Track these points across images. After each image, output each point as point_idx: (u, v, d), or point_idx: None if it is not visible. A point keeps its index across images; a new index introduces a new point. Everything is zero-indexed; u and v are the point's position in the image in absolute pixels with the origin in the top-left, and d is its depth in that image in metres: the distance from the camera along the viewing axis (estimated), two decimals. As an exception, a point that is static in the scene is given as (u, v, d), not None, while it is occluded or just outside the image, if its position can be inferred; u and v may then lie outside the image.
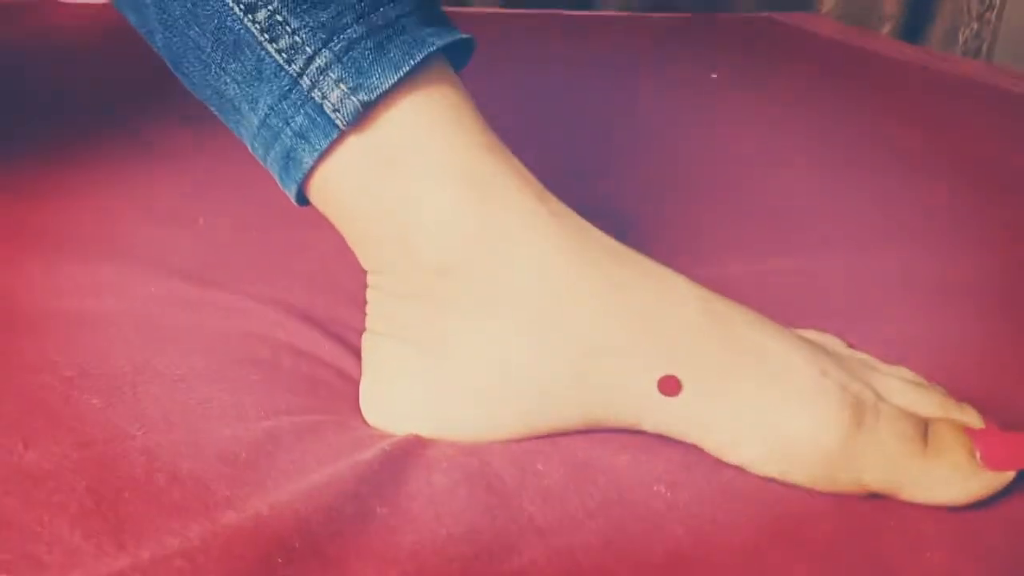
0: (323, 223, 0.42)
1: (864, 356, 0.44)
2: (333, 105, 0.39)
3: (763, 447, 0.39)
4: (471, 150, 0.40)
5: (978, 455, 0.39)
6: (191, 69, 0.41)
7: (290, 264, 0.52)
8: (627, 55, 1.23)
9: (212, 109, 0.43)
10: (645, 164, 0.76)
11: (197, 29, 0.40)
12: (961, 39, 1.60)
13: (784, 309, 0.47)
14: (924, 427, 0.39)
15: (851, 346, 0.47)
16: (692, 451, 0.40)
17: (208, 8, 0.39)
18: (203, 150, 0.65)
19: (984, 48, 1.55)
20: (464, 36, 0.43)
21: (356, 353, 0.45)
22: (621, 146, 0.81)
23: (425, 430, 0.41)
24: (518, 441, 0.40)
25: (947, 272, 0.58)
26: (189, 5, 0.39)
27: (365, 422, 0.42)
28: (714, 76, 1.15)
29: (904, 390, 0.41)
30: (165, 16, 0.40)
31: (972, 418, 0.41)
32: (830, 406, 0.39)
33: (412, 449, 0.39)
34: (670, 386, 0.39)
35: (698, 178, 0.73)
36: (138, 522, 0.32)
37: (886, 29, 1.62)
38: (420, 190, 0.40)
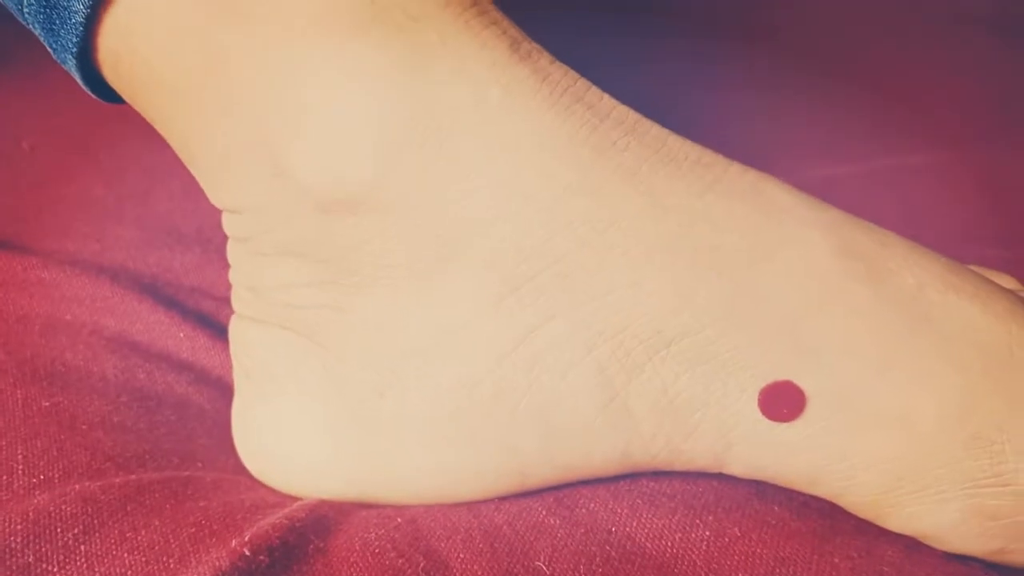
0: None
1: None
2: None
3: (957, 509, 0.21)
4: None
5: None
6: None
7: (140, 208, 0.34)
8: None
9: None
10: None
11: None
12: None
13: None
14: None
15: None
16: (813, 511, 0.22)
17: None
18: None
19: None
20: None
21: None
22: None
23: (335, 488, 0.23)
24: (497, 503, 0.23)
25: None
26: None
27: (241, 468, 0.24)
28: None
29: None
30: None
31: None
32: None
33: (304, 538, 0.21)
34: (784, 402, 0.21)
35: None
36: None
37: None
38: (291, 48, 0.21)
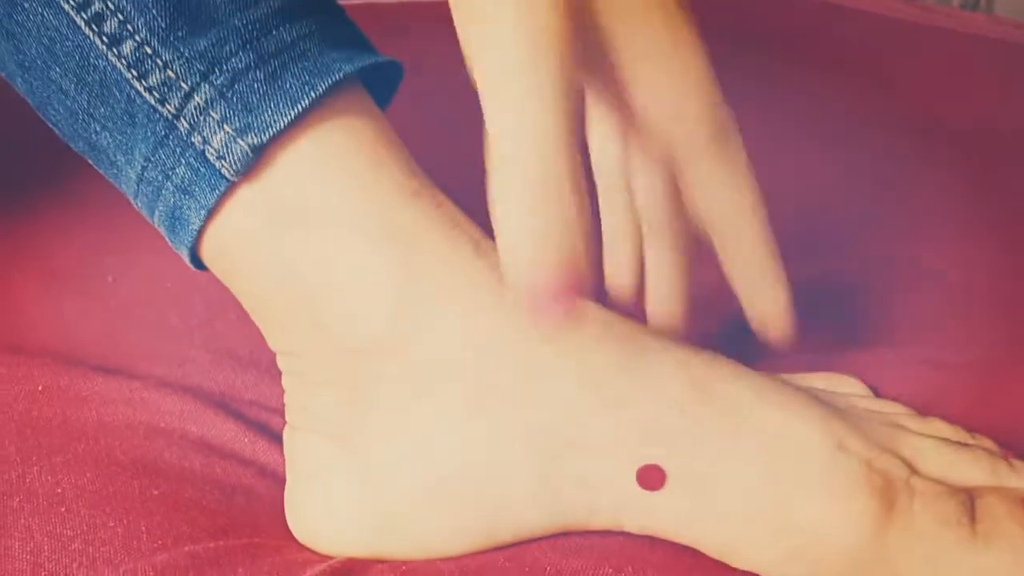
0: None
1: (888, 407, 0.37)
2: (217, 151, 0.31)
3: (775, 549, 0.31)
4: (391, 199, 0.33)
5: None
6: (58, 117, 0.34)
7: (205, 331, 0.45)
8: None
9: (91, 163, 0.35)
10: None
11: (58, 69, 0.32)
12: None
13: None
14: (970, 503, 0.32)
15: (875, 392, 0.39)
16: (688, 554, 0.32)
17: (68, 43, 0.32)
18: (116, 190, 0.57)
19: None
20: (384, 59, 0.35)
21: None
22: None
23: (359, 549, 0.33)
24: (472, 555, 0.33)
25: (958, 268, 0.50)
26: (46, 41, 0.32)
27: (291, 537, 0.35)
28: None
29: (941, 454, 0.34)
30: (21, 56, 0.33)
31: None
32: (854, 492, 0.31)
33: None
34: (651, 478, 0.32)
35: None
36: None
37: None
38: (329, 252, 0.32)
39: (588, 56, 0.31)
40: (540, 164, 0.26)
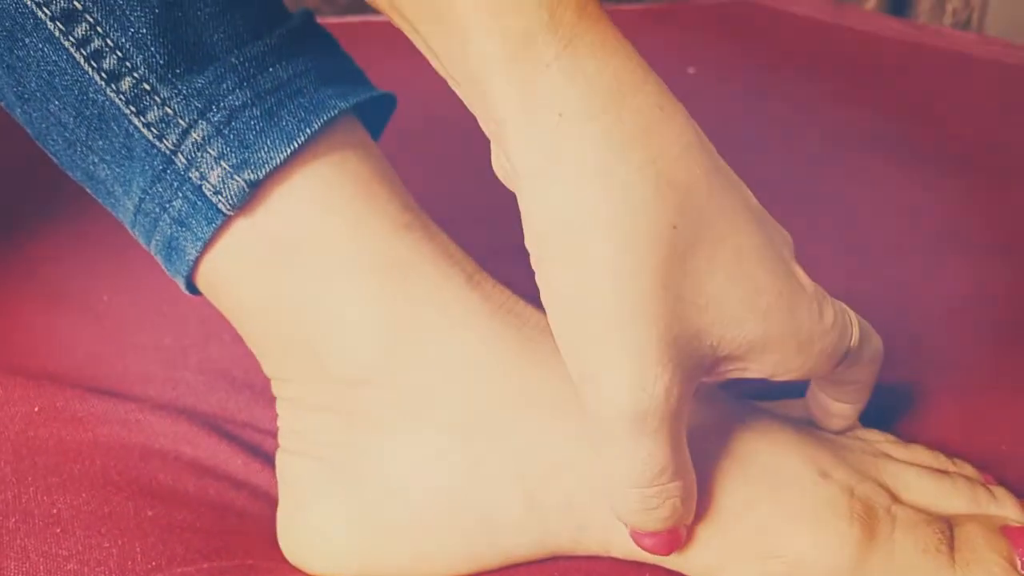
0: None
1: (870, 435, 0.37)
2: (214, 187, 0.32)
3: (758, 573, 0.32)
4: (384, 231, 0.33)
5: (1019, 562, 0.32)
6: (56, 147, 0.35)
7: (199, 353, 0.45)
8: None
9: (88, 191, 0.36)
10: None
11: (57, 102, 0.33)
12: (949, 9, 1.52)
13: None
14: (950, 532, 0.32)
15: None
16: (673, 578, 0.33)
17: (67, 78, 0.32)
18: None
19: (974, 18, 1.47)
20: (378, 93, 0.36)
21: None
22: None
23: (350, 571, 0.34)
24: (461, 577, 0.34)
25: (936, 291, 0.51)
26: (45, 75, 0.33)
27: (283, 558, 0.35)
28: (691, 71, 1.08)
29: (923, 483, 0.34)
30: (20, 89, 0.33)
31: (1009, 508, 0.34)
32: (835, 519, 0.32)
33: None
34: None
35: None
36: None
37: (870, 4, 1.55)
38: (324, 285, 0.33)
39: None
40: (648, 464, 0.29)
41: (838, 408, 0.36)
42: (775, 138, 0.74)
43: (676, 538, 0.32)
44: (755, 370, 0.31)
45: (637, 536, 0.31)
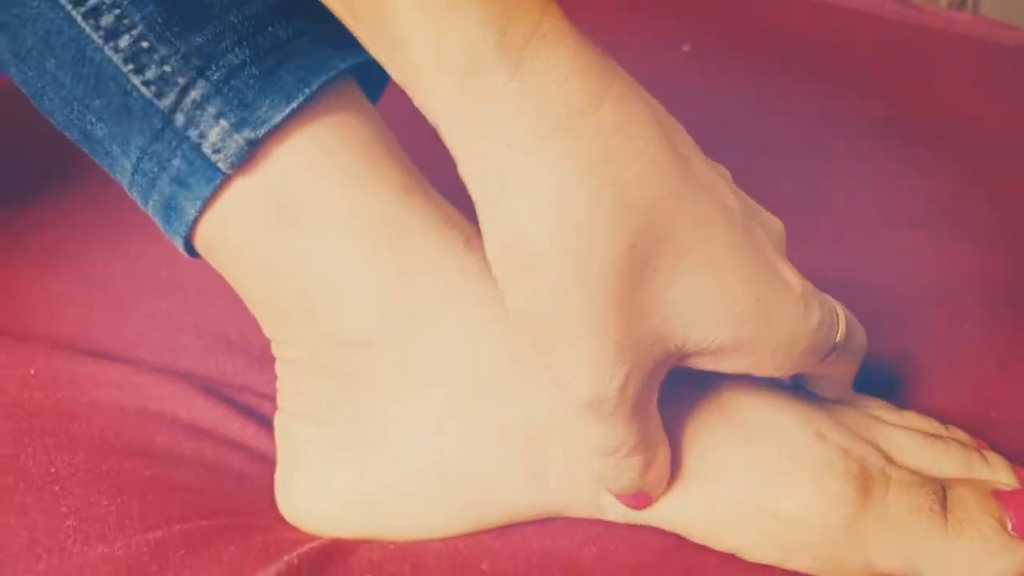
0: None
1: (865, 401, 0.38)
2: (213, 144, 0.32)
3: (753, 531, 0.32)
4: (384, 193, 0.33)
5: (1010, 524, 0.32)
6: (53, 106, 0.34)
7: (196, 318, 0.45)
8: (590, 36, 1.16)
9: (85, 151, 0.36)
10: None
11: (53, 61, 0.33)
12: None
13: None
14: (943, 493, 0.33)
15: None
16: (669, 537, 0.33)
17: (63, 36, 0.32)
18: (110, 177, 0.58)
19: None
20: None
21: (273, 428, 0.38)
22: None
23: (350, 530, 0.34)
24: (460, 537, 0.34)
25: (934, 264, 0.51)
26: (42, 33, 0.32)
27: (281, 518, 0.35)
28: (686, 49, 1.08)
29: (917, 446, 0.35)
30: (16, 47, 0.33)
31: (1001, 473, 0.34)
32: (830, 478, 0.32)
33: (327, 559, 0.32)
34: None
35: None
36: None
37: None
38: (322, 246, 0.33)
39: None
40: (610, 439, 0.30)
41: (821, 394, 0.36)
42: (772, 119, 0.74)
43: (644, 498, 0.33)
44: (729, 366, 0.31)
45: (612, 492, 0.33)
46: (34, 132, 0.47)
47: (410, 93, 0.28)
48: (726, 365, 0.31)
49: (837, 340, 0.32)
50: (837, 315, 0.32)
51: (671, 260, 0.28)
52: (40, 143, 0.52)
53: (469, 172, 0.27)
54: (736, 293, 0.29)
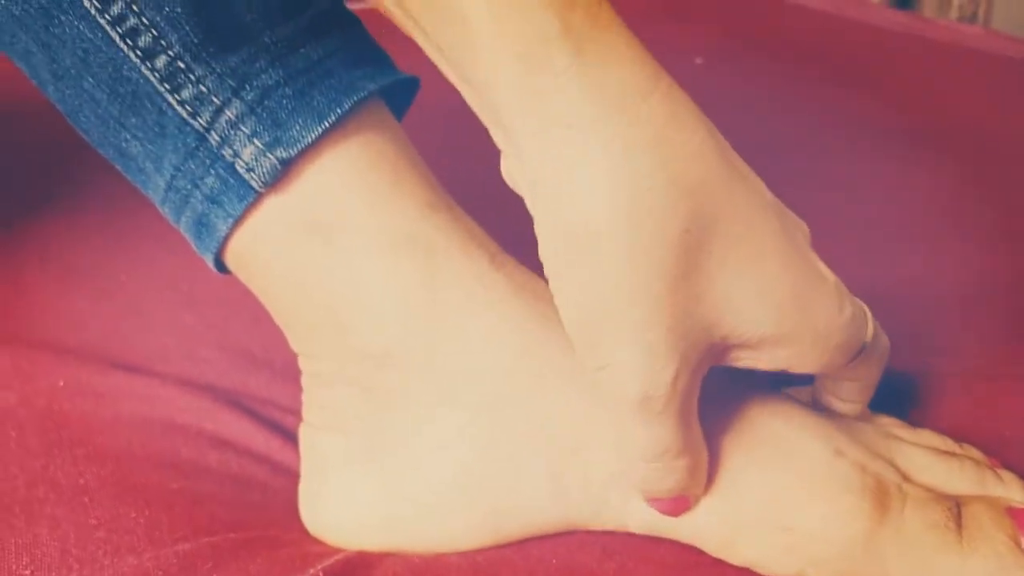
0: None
1: (882, 419, 0.38)
2: (247, 164, 0.33)
3: (771, 545, 0.33)
4: (410, 211, 0.34)
5: (1023, 541, 0.33)
6: (88, 124, 0.35)
7: (219, 332, 0.46)
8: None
9: (119, 168, 0.37)
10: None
11: (91, 80, 0.34)
12: (955, 3, 1.53)
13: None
14: (958, 510, 0.33)
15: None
16: (689, 552, 0.34)
17: (102, 56, 0.33)
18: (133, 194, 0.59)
19: (980, 12, 1.48)
20: (404, 76, 0.36)
21: (297, 441, 0.38)
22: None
23: (373, 543, 0.35)
24: (482, 551, 0.34)
25: (946, 278, 0.52)
26: (80, 52, 0.33)
27: (305, 531, 0.36)
28: (699, 61, 1.08)
29: (932, 464, 0.35)
30: (55, 66, 0.34)
31: (1015, 491, 0.35)
32: (848, 494, 0.33)
33: (351, 572, 0.32)
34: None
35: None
36: None
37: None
38: (350, 261, 0.33)
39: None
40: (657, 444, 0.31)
41: (840, 407, 0.37)
42: (781, 130, 0.75)
43: (683, 503, 0.33)
44: (768, 362, 0.32)
45: (649, 499, 0.33)
46: (58, 147, 0.48)
47: (465, 79, 0.29)
48: (765, 360, 0.32)
49: (867, 338, 0.33)
50: (866, 313, 0.33)
51: (722, 247, 0.29)
52: (62, 159, 0.53)
53: (528, 153, 0.28)
54: (780, 283, 0.30)
